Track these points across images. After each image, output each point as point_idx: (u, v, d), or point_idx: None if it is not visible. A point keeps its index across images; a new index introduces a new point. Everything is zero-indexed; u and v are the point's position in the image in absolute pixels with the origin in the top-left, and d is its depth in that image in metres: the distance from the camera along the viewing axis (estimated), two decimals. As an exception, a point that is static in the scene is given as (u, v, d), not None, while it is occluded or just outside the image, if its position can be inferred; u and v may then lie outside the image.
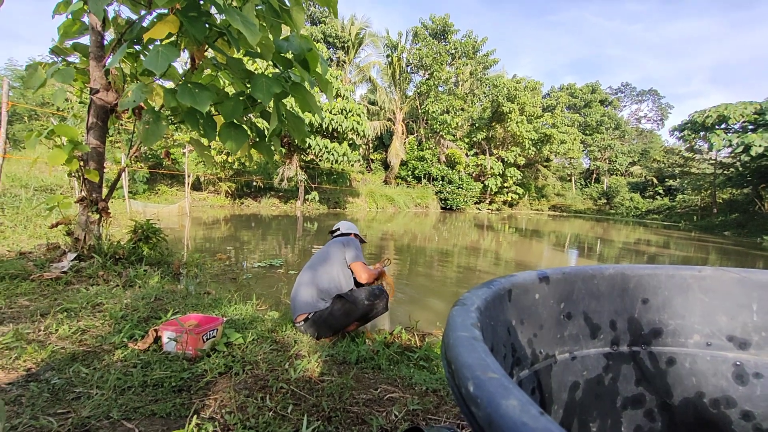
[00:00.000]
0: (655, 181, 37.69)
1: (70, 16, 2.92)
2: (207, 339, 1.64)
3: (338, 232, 2.81)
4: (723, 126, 22.30)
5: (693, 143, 26.03)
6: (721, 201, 26.21)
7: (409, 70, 28.77)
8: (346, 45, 27.99)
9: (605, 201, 38.07)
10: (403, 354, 2.09)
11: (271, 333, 1.96)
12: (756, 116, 20.69)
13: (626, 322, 0.44)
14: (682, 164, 30.65)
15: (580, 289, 0.41)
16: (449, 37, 29.02)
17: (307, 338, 2.07)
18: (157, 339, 1.64)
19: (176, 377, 1.37)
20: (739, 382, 0.41)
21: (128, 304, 2.07)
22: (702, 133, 23.80)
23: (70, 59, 3.10)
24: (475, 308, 0.27)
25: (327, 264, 2.42)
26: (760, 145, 19.37)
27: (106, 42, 2.84)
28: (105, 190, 3.07)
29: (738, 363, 0.43)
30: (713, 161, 26.46)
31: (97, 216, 2.89)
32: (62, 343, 1.57)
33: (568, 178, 42.25)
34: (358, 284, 2.51)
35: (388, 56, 27.45)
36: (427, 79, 26.77)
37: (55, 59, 3.05)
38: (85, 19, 2.95)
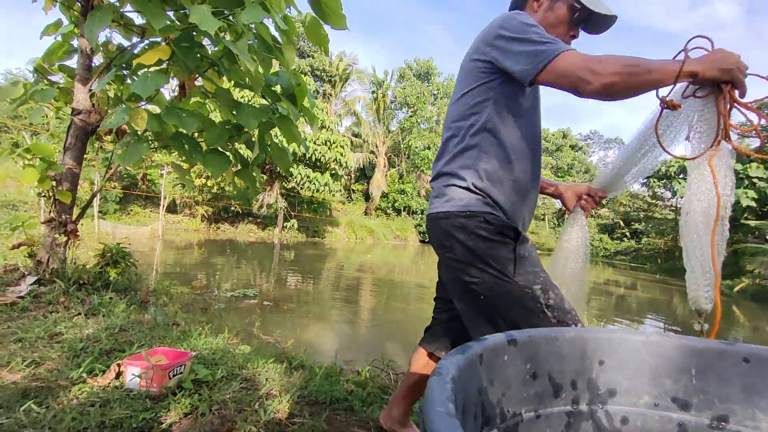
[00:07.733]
0: (622, 223, 39.49)
1: (59, 38, 2.93)
2: (173, 375, 1.56)
3: None
4: (683, 176, 24.00)
5: (655, 191, 27.80)
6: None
7: (393, 106, 29.84)
8: (333, 79, 28.90)
9: (577, 241, 39.33)
10: (377, 395, 2.04)
11: (241, 369, 1.89)
12: (711, 168, 22.38)
13: (586, 382, 0.48)
14: (646, 209, 32.41)
15: (545, 350, 0.45)
16: (432, 78, 30.52)
17: (279, 376, 2.00)
18: (119, 374, 1.56)
19: (137, 418, 1.29)
20: (682, 442, 0.45)
21: (90, 334, 1.96)
22: (664, 182, 25.46)
23: (53, 78, 3.07)
24: (450, 378, 0.30)
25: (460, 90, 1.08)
26: (715, 195, 20.85)
27: (94, 65, 2.85)
28: (76, 212, 2.97)
29: (681, 423, 0.47)
30: (674, 208, 28.14)
31: (65, 239, 2.77)
32: (13, 377, 1.46)
33: (542, 217, 43.78)
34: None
35: (373, 92, 28.49)
36: (411, 116, 27.78)
37: (37, 77, 3.02)
38: (74, 42, 2.97)
